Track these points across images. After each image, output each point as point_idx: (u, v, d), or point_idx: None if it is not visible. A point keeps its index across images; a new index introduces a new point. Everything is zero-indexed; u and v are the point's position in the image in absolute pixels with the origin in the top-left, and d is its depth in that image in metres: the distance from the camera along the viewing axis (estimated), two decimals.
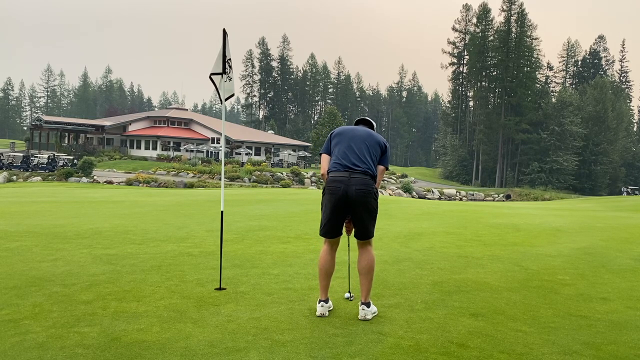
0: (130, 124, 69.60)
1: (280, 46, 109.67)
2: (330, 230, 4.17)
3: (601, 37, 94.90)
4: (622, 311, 4.41)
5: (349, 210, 4.11)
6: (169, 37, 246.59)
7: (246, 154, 63.22)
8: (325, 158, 4.30)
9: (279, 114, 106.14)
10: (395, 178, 65.09)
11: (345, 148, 4.17)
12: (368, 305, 4.07)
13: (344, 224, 4.29)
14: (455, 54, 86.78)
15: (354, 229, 4.27)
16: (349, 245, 4.71)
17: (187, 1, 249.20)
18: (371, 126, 4.54)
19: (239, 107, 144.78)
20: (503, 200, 54.33)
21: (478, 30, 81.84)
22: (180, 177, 48.59)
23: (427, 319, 4.03)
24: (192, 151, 63.94)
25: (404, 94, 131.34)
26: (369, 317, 4.04)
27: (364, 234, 4.16)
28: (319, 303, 4.15)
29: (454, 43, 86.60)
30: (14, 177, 44.38)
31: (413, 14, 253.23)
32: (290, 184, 50.04)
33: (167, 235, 8.14)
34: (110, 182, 42.50)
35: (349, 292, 4.70)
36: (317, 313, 4.11)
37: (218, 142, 65.93)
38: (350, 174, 4.05)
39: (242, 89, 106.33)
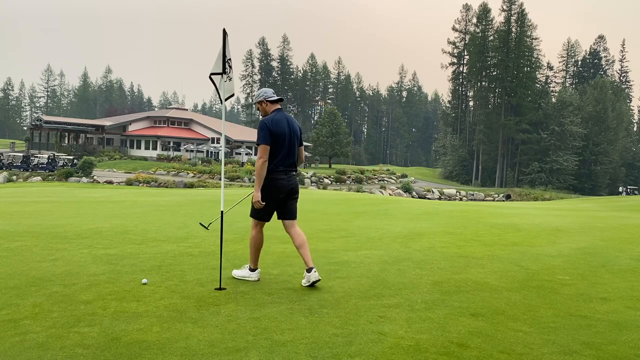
0: (130, 124, 69.62)
1: (280, 46, 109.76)
2: (268, 216, 5.01)
3: (601, 37, 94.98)
4: (622, 311, 4.41)
5: (284, 201, 4.96)
6: (169, 37, 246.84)
7: (246, 154, 63.22)
8: (266, 150, 4.78)
9: None
10: (395, 178, 65.08)
11: (285, 151, 4.87)
12: (313, 268, 4.89)
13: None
14: (455, 54, 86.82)
15: (276, 212, 5.06)
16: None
17: (187, 1, 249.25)
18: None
19: (239, 107, 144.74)
20: (503, 200, 54.33)
21: (478, 30, 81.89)
22: (180, 177, 48.59)
23: (427, 319, 4.03)
24: (192, 151, 63.97)
25: (404, 94, 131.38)
26: (316, 278, 4.86)
27: (294, 215, 5.09)
28: (254, 271, 5.09)
29: (454, 43, 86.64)
30: (14, 177, 44.40)
31: (413, 14, 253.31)
32: None
33: (167, 235, 8.13)
34: (110, 182, 42.50)
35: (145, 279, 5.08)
36: (256, 279, 5.08)
37: (218, 142, 65.93)
38: (288, 174, 4.93)
39: (242, 89, 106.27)
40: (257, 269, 5.15)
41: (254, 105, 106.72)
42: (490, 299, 4.70)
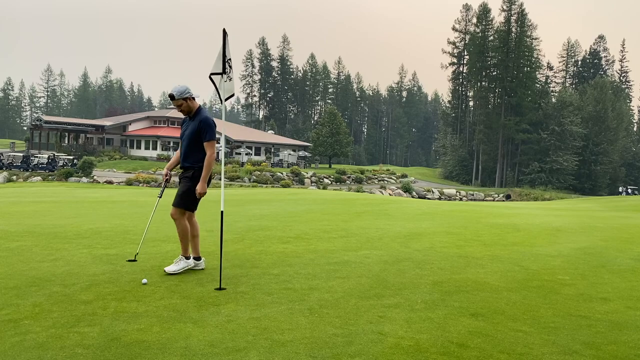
0: (130, 124, 69.61)
1: (280, 46, 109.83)
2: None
3: (601, 37, 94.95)
4: (622, 311, 4.41)
5: None
6: (169, 37, 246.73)
7: (246, 154, 63.23)
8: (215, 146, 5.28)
9: (279, 114, 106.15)
10: (395, 178, 65.12)
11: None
12: (202, 258, 5.66)
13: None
14: (455, 54, 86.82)
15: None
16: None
17: (187, 1, 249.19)
18: None
19: (239, 107, 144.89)
20: (503, 200, 54.33)
21: (478, 30, 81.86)
22: None
23: (427, 319, 4.03)
24: None
25: (404, 94, 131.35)
26: (203, 266, 5.64)
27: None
28: (200, 260, 5.48)
29: (454, 43, 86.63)
30: (14, 177, 44.38)
31: (413, 14, 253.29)
32: (290, 184, 50.02)
33: (167, 235, 8.13)
34: (110, 182, 42.50)
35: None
36: (203, 267, 5.51)
37: (218, 142, 65.85)
38: None
39: (242, 89, 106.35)
40: (200, 257, 5.51)
41: (253, 105, 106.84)
42: (490, 299, 4.70)
